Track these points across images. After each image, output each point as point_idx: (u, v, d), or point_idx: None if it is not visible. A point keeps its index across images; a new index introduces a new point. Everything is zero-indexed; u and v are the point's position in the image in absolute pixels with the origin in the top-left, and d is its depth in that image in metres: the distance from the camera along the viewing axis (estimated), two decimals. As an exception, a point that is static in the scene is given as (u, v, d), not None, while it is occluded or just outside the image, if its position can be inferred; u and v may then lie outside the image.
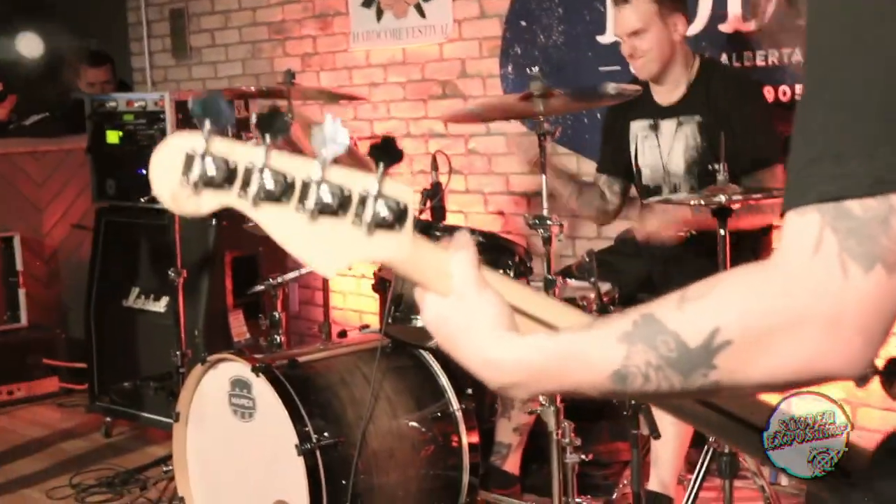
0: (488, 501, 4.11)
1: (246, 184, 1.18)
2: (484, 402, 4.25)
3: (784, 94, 4.32)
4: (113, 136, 5.57)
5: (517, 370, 1.19)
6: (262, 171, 1.18)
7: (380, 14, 5.82)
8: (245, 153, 1.18)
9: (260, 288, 4.74)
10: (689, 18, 4.18)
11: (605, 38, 4.89)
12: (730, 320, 1.07)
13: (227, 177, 1.18)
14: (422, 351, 3.94)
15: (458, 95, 5.58)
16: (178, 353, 4.76)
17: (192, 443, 4.00)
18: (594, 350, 1.15)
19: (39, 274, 6.54)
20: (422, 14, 5.62)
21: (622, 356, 1.11)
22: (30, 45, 7.96)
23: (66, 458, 5.47)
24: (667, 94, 4.12)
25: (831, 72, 1.06)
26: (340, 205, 1.18)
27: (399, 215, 1.19)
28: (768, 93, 4.30)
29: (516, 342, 1.19)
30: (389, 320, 3.70)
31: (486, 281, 1.22)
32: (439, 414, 3.86)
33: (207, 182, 1.18)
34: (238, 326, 5.36)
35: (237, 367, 3.78)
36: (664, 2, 3.95)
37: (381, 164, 1.17)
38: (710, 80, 4.06)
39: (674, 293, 1.11)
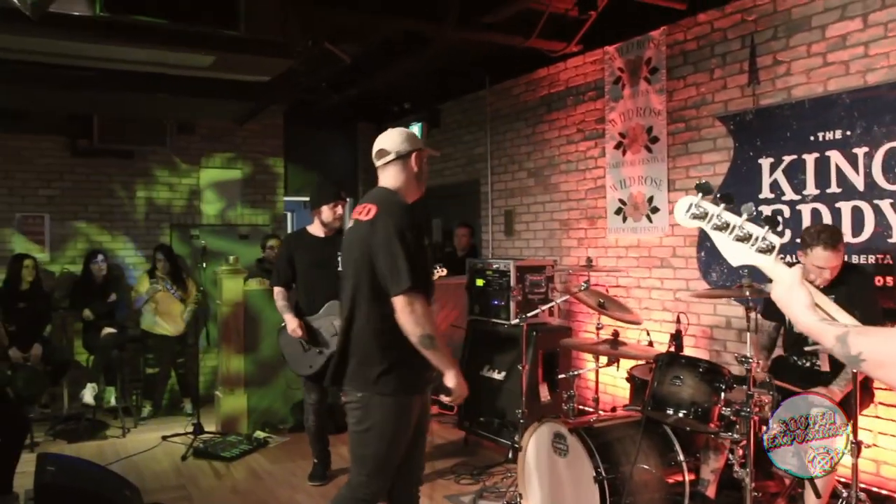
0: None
1: (710, 220, 1.64)
2: (695, 456, 4.10)
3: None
4: (480, 282, 5.75)
5: (804, 323, 1.50)
6: (719, 216, 1.63)
7: (624, 218, 5.80)
8: (711, 208, 1.64)
9: (562, 375, 4.84)
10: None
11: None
12: (868, 351, 1.36)
13: (703, 215, 1.65)
14: (664, 425, 3.83)
15: (669, 267, 5.42)
16: (519, 411, 4.57)
17: (528, 464, 3.98)
18: (826, 336, 1.43)
19: (431, 349, 6.64)
20: (650, 220, 5.58)
21: (832, 344, 1.41)
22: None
23: (445, 452, 5.51)
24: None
25: None
26: (746, 238, 1.60)
27: (771, 248, 1.58)
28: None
29: (809, 314, 1.50)
30: (649, 408, 3.70)
31: (804, 283, 1.54)
32: (672, 462, 3.75)
33: (696, 216, 1.66)
34: (544, 393, 5.27)
35: (558, 426, 3.78)
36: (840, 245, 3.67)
37: (768, 227, 1.59)
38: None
39: (856, 327, 1.44)
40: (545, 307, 4.96)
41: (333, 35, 5.36)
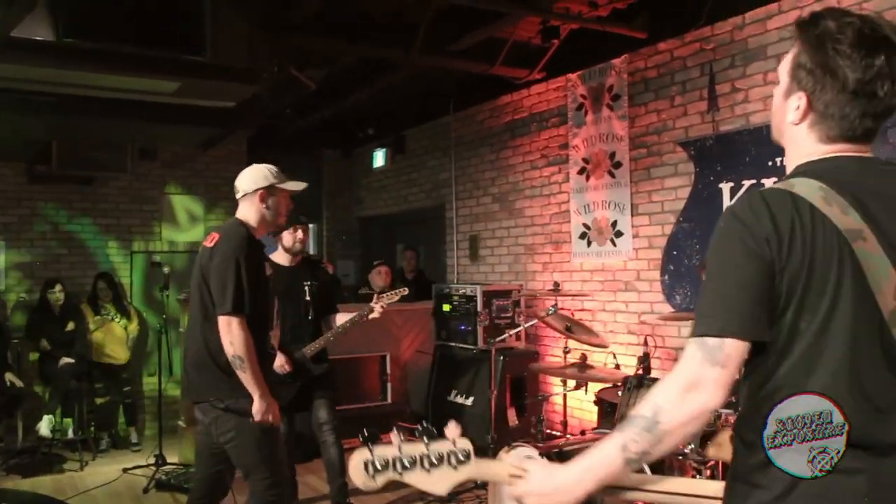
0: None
1: (396, 465, 1.36)
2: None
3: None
4: (447, 307, 5.78)
5: (572, 483, 1.37)
6: (401, 456, 1.37)
7: (589, 243, 5.86)
8: (390, 452, 1.37)
9: (531, 400, 4.85)
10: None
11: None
12: (663, 396, 1.28)
13: (387, 464, 1.36)
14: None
15: (634, 290, 5.47)
16: (488, 436, 4.68)
17: (498, 489, 3.94)
18: (609, 452, 1.32)
19: (398, 375, 6.59)
20: (614, 244, 5.64)
21: (620, 442, 1.30)
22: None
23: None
24: None
25: (709, 280, 1.31)
26: (441, 460, 1.38)
27: (468, 455, 1.39)
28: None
29: (565, 474, 1.39)
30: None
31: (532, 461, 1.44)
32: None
33: (379, 469, 1.36)
34: (512, 418, 5.27)
35: (529, 450, 3.71)
36: None
37: (453, 437, 1.41)
38: None
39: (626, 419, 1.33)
40: (513, 332, 4.99)
41: (299, 61, 5.37)
